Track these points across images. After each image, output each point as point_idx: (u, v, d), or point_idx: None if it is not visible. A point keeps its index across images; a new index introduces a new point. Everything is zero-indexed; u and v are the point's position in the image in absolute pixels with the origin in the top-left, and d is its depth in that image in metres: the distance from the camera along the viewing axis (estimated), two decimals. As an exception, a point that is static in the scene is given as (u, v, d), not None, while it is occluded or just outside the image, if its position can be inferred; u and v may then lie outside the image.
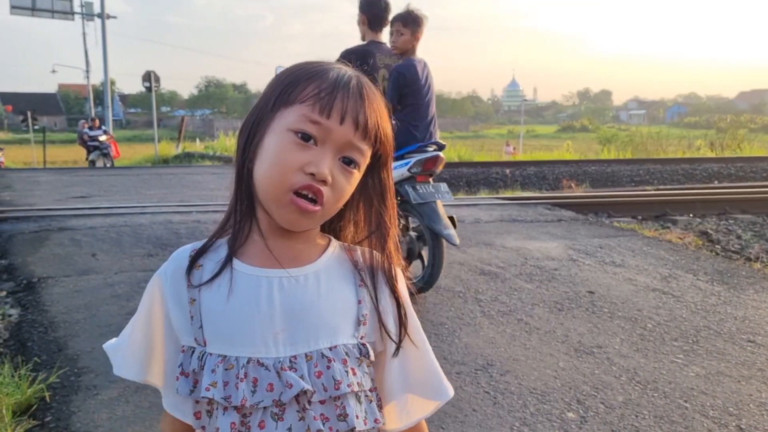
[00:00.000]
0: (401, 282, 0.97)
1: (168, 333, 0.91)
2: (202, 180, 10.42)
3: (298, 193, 0.84)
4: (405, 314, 0.94)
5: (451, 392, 1.00)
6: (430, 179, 4.01)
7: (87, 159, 18.46)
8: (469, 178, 13.97)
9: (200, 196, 8.12)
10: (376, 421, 0.91)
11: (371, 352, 0.92)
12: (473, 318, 3.65)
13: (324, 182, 0.84)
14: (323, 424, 0.86)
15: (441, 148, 4.03)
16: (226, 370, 0.85)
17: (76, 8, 22.71)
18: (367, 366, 0.92)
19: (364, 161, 0.89)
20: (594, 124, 68.83)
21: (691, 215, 7.73)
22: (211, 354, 0.86)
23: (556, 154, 22.43)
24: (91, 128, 18.49)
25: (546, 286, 4.29)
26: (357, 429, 0.88)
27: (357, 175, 0.89)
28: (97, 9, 22.42)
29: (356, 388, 0.89)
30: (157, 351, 0.93)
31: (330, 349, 0.88)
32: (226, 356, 0.86)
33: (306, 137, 0.84)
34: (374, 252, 0.96)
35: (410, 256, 4.03)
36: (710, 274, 4.76)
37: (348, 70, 0.90)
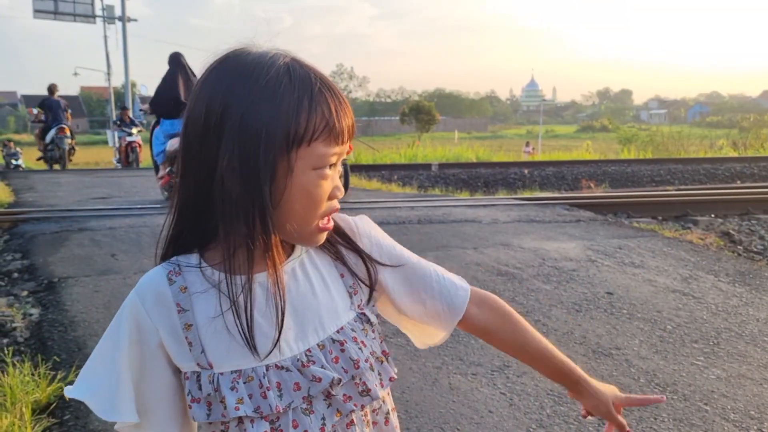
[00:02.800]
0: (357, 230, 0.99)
1: (154, 364, 0.87)
2: (220, 181, 10.50)
3: (324, 219, 0.89)
4: (368, 259, 0.97)
5: (467, 287, 1.06)
6: None
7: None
8: (487, 178, 13.92)
9: (219, 197, 8.16)
10: (391, 379, 0.94)
11: (372, 318, 0.95)
12: (490, 319, 3.63)
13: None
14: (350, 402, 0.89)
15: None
16: (245, 383, 0.84)
17: (98, 11, 22.98)
18: (373, 331, 0.95)
19: None
20: (614, 124, 68.18)
21: (712, 215, 7.62)
22: (222, 373, 0.85)
23: (575, 154, 22.27)
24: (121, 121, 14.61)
25: (564, 287, 4.26)
26: (380, 396, 0.91)
27: None
28: (118, 12, 22.69)
29: (372, 360, 0.91)
30: (136, 387, 0.87)
31: (338, 332, 0.90)
32: (241, 370, 0.85)
33: (330, 167, 0.87)
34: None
35: None
36: (732, 275, 4.69)
37: (298, 65, 0.85)
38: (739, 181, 13.18)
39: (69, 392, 0.88)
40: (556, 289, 4.21)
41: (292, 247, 0.93)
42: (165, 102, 7.44)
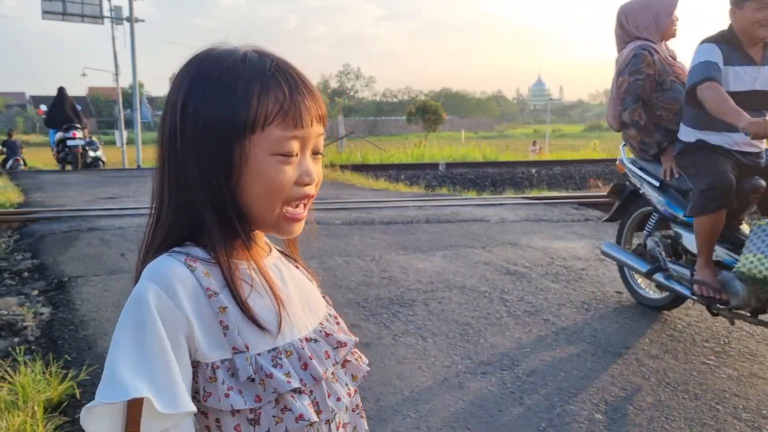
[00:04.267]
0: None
1: (181, 357, 0.82)
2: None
3: (290, 206, 0.86)
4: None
5: None
6: None
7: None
8: (495, 177, 13.91)
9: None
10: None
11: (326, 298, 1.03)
12: (499, 318, 3.63)
13: (310, 185, 0.87)
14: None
15: None
16: (287, 358, 0.86)
17: (106, 12, 23.05)
18: None
19: None
20: (621, 123, 67.66)
21: (722, 214, 7.57)
22: (260, 354, 0.84)
23: (582, 153, 22.21)
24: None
25: (573, 286, 4.25)
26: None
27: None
28: (125, 13, 22.73)
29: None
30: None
31: (327, 306, 0.98)
32: (277, 347, 0.85)
33: (291, 153, 0.85)
34: None
35: None
36: (742, 274, 4.66)
37: (256, 55, 0.86)
38: (748, 180, 13.10)
39: (100, 400, 0.76)
40: (565, 288, 4.20)
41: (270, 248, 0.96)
42: (53, 117, 14.37)
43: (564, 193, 10.55)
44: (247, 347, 0.84)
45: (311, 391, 0.86)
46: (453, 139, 29.73)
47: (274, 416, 0.83)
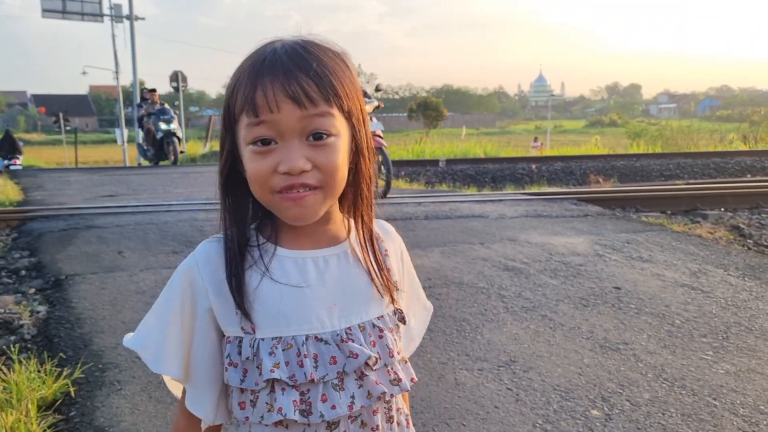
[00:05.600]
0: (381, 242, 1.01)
1: (201, 327, 0.91)
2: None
3: (282, 192, 0.85)
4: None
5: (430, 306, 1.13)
6: None
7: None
8: (495, 174, 13.88)
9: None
10: (412, 380, 0.96)
11: (405, 317, 0.98)
12: (496, 314, 3.61)
13: (302, 173, 0.83)
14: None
15: None
16: (284, 350, 0.86)
17: (105, 10, 23.04)
18: (399, 330, 0.98)
19: (338, 123, 0.86)
20: (623, 119, 67.80)
21: (722, 209, 7.56)
22: (263, 339, 0.87)
23: (584, 149, 22.20)
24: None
25: (571, 281, 4.23)
26: (408, 388, 0.95)
27: (339, 141, 0.86)
28: (125, 11, 22.73)
29: (401, 354, 0.95)
30: (186, 346, 0.92)
31: (379, 318, 0.92)
32: (281, 337, 0.87)
33: (264, 142, 0.84)
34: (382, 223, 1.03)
35: None
36: (741, 269, 4.65)
37: (274, 45, 0.86)
38: (749, 175, 13.08)
39: (125, 342, 0.95)
40: (564, 284, 4.18)
41: (347, 233, 0.95)
42: (1, 151, 17.13)
43: (564, 189, 10.53)
44: (254, 330, 0.87)
45: (306, 391, 0.86)
46: (454, 136, 29.69)
47: (267, 403, 0.86)
